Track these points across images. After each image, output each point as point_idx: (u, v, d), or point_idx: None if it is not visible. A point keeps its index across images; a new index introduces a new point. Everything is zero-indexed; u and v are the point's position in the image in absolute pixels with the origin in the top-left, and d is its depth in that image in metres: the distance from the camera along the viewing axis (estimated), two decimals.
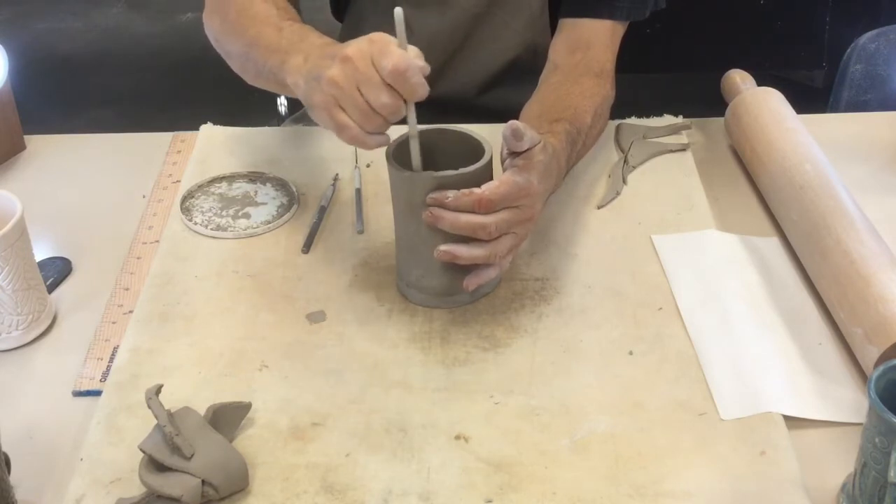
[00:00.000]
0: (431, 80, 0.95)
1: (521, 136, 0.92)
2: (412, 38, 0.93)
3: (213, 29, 1.13)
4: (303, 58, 0.94)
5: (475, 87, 1.33)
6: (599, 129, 1.18)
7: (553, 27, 1.27)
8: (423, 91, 0.88)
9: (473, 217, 0.91)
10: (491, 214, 0.91)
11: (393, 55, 0.86)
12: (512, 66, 1.32)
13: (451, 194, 0.91)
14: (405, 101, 0.89)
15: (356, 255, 1.08)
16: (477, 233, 0.92)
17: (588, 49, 1.20)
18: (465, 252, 0.93)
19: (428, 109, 1.34)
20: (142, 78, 3.15)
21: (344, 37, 1.40)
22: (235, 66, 1.09)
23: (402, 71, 0.86)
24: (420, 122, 1.10)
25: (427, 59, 0.96)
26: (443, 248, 0.93)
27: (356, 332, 0.98)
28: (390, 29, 0.90)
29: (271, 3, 1.06)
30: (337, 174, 1.19)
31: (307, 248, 1.08)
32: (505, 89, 1.34)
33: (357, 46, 0.88)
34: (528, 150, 0.94)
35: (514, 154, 0.94)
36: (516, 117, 1.21)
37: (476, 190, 0.91)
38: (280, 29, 1.01)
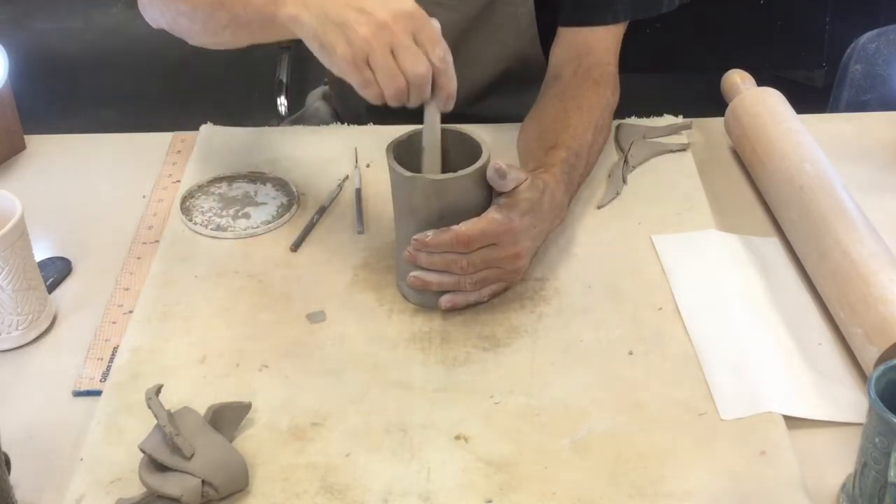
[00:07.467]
0: None
1: (505, 175, 0.94)
2: None
3: None
4: None
5: (467, 99, 1.33)
6: (602, 142, 1.17)
7: (542, 37, 1.26)
8: (453, 89, 0.92)
9: (447, 255, 0.94)
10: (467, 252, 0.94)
11: (443, 44, 0.89)
12: (503, 77, 1.31)
13: (430, 234, 0.93)
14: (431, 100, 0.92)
15: (356, 255, 1.08)
16: (450, 268, 0.95)
17: (588, 55, 1.19)
18: (434, 278, 0.96)
19: (422, 117, 1.34)
20: (142, 78, 3.15)
21: None
22: (197, 21, 1.04)
23: (450, 62, 0.89)
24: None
25: None
26: (413, 274, 0.96)
27: (356, 332, 0.98)
28: None
29: None
30: (347, 176, 1.19)
31: (296, 246, 1.08)
32: (498, 99, 1.33)
33: (393, 14, 0.88)
34: (513, 188, 0.95)
35: (499, 193, 0.96)
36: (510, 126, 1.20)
37: (454, 227, 0.93)
38: None
